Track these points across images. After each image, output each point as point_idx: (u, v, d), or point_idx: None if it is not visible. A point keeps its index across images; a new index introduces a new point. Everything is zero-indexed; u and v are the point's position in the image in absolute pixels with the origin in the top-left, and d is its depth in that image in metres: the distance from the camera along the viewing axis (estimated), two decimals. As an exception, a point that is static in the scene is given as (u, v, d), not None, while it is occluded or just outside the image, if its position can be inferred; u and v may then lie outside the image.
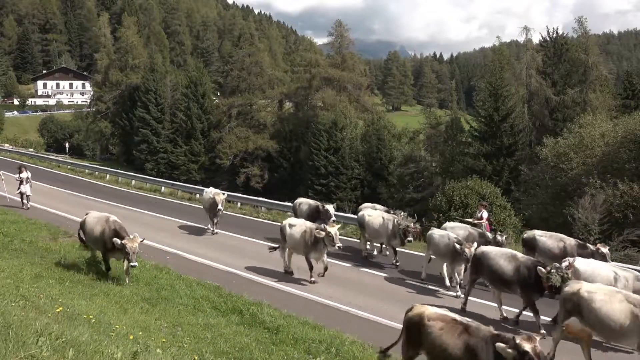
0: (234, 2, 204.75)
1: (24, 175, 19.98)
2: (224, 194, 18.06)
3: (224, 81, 68.01)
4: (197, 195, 27.54)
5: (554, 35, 44.64)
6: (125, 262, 10.79)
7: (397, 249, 14.35)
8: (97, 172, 35.53)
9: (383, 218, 14.60)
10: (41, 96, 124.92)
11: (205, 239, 17.62)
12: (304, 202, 17.06)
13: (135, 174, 35.17)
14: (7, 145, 60.54)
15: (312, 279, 12.48)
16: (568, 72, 41.48)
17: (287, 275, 13.36)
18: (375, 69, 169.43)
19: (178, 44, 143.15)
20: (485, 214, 17.19)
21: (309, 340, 8.41)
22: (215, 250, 15.78)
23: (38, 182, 21.09)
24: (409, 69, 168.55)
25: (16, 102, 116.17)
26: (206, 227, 18.41)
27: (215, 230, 17.71)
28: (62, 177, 33.27)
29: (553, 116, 40.06)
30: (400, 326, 10.11)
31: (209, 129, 55.99)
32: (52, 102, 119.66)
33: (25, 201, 20.02)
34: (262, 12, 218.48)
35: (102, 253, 11.07)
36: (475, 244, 11.69)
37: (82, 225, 11.62)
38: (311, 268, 12.51)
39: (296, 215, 16.31)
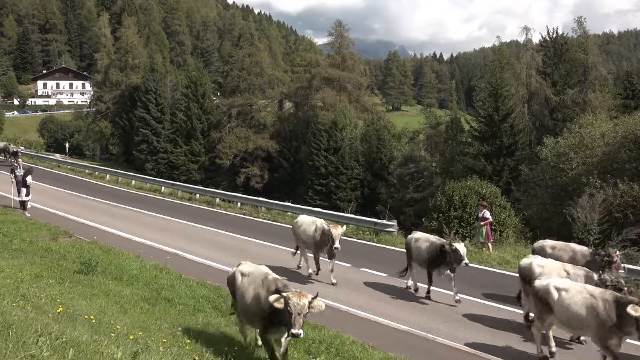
0: (234, 2, 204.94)
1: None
2: (342, 225, 12.93)
3: (224, 81, 67.92)
4: (197, 196, 27.57)
5: (554, 35, 44.60)
6: (283, 340, 6.91)
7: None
8: (97, 172, 35.57)
9: (567, 272, 9.35)
10: (41, 96, 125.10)
11: (205, 239, 17.63)
12: (422, 239, 12.12)
13: (135, 174, 35.20)
14: None
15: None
16: (568, 72, 41.41)
17: (287, 275, 13.33)
18: (375, 69, 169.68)
19: (178, 44, 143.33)
20: (487, 214, 17.19)
21: (309, 340, 8.41)
22: (215, 250, 15.79)
23: (38, 182, 21.12)
24: (409, 69, 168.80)
25: (16, 102, 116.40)
26: (299, 268, 13.88)
27: (334, 281, 12.69)
28: (62, 177, 33.27)
29: (553, 116, 40.01)
30: (399, 326, 10.17)
31: (209, 129, 55.98)
32: (52, 102, 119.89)
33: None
34: (262, 12, 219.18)
35: (261, 330, 7.05)
36: None
37: (231, 284, 7.71)
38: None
39: (411, 256, 12.21)
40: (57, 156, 48.76)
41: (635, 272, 12.86)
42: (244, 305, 7.32)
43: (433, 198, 22.77)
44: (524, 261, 10.22)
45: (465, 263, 10.88)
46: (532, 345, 9.37)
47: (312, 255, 13.11)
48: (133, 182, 31.71)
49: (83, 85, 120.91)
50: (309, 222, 13.20)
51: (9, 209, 19.25)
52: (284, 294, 6.26)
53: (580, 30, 44.72)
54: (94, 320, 7.05)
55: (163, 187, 30.18)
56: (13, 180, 19.71)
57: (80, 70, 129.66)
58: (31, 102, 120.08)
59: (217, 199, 26.34)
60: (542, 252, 11.26)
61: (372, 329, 9.90)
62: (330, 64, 56.39)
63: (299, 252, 13.93)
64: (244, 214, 23.39)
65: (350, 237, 18.67)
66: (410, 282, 12.48)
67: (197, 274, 12.47)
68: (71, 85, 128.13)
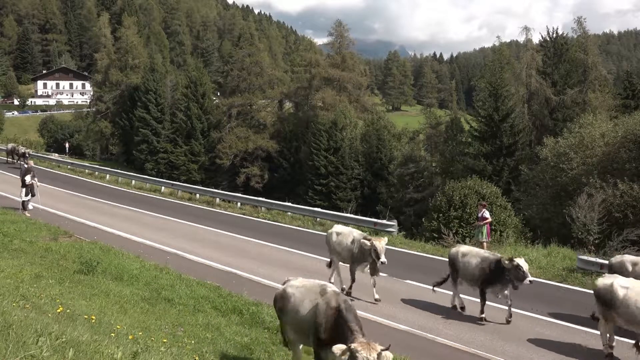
0: (234, 2, 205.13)
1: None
2: (384, 237, 11.54)
3: (224, 81, 67.97)
4: (197, 196, 27.56)
5: (554, 35, 44.65)
6: None
7: None
8: (97, 172, 35.56)
9: None
10: (41, 96, 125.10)
11: (205, 239, 17.63)
12: (472, 253, 10.92)
13: (135, 174, 35.19)
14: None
15: None
16: (568, 72, 41.44)
17: (287, 275, 13.30)
18: (375, 69, 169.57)
19: (178, 44, 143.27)
20: (487, 214, 17.19)
21: (308, 340, 8.41)
22: (215, 250, 15.79)
23: (38, 182, 21.08)
24: (409, 69, 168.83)
25: (16, 102, 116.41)
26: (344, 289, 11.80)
27: (377, 296, 11.51)
28: (62, 177, 33.24)
29: (553, 116, 40.03)
30: (399, 326, 10.17)
31: (209, 129, 56.03)
32: (52, 102, 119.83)
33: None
34: (262, 12, 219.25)
35: (315, 346, 6.21)
36: None
37: (281, 300, 6.85)
38: None
39: (457, 271, 10.98)
40: (55, 156, 48.69)
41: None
42: (297, 321, 6.46)
43: (433, 198, 22.77)
44: (603, 281, 8.77)
45: (530, 280, 9.60)
46: (531, 345, 9.38)
47: (350, 269, 11.79)
48: (133, 182, 31.70)
49: (83, 85, 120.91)
50: (346, 233, 12.12)
51: (10, 209, 19.24)
52: (352, 346, 5.28)
53: (580, 30, 44.76)
54: (94, 320, 7.05)
55: (163, 187, 30.17)
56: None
57: (80, 70, 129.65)
58: (31, 102, 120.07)
59: (217, 199, 26.34)
60: (621, 270, 9.93)
61: (372, 329, 9.88)
62: (330, 64, 56.43)
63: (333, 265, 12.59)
64: (244, 214, 23.39)
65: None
66: (456, 301, 11.20)
67: (197, 274, 12.47)
68: (71, 85, 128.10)
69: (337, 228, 12.57)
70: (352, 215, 21.79)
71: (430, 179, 40.21)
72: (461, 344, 9.35)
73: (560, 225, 21.98)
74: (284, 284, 7.06)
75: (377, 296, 11.50)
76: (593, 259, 13.71)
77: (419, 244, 17.66)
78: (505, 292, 10.17)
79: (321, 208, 26.63)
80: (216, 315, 9.51)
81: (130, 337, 6.44)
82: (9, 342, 4.40)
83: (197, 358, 6.70)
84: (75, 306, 7.95)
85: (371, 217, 21.98)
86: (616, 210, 20.79)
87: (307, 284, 6.74)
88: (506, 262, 9.82)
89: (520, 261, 9.69)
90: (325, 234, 12.85)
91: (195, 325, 8.64)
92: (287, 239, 17.65)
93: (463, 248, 11.29)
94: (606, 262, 13.52)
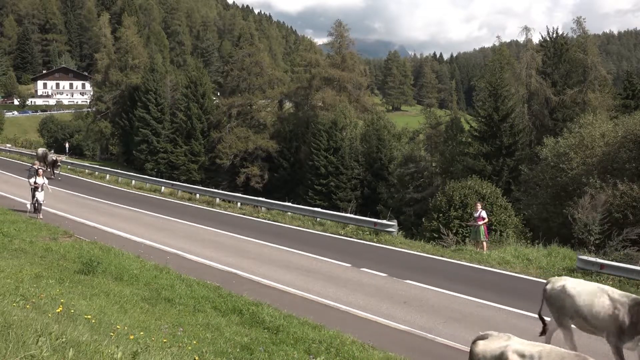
0: (234, 2, 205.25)
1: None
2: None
3: (224, 81, 68.00)
4: (197, 196, 27.54)
5: (554, 35, 44.64)
6: None
7: None
8: (97, 172, 35.56)
9: None
10: (41, 96, 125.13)
11: (205, 239, 17.63)
12: None
13: (135, 174, 35.20)
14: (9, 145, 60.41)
15: None
16: (568, 72, 41.49)
17: (286, 275, 13.35)
18: (375, 69, 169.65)
19: (178, 44, 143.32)
20: (484, 214, 17.20)
21: (309, 340, 8.41)
22: (215, 250, 15.80)
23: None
24: (409, 69, 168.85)
25: (16, 102, 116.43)
26: None
27: None
28: (62, 177, 33.25)
29: (553, 116, 40.05)
30: (399, 326, 10.17)
31: (209, 129, 56.05)
32: (52, 102, 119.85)
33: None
34: (262, 12, 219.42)
35: None
36: None
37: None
38: None
39: None
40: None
41: (635, 272, 12.87)
42: None
43: (433, 198, 22.78)
44: None
45: None
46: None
47: (613, 345, 7.59)
48: (133, 182, 31.70)
49: (83, 85, 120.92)
50: (592, 290, 7.85)
51: (10, 210, 19.26)
52: None
53: (579, 31, 44.75)
54: (94, 320, 7.05)
55: (163, 187, 30.16)
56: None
57: (80, 70, 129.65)
58: (31, 102, 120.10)
59: (217, 199, 26.34)
60: None
61: (372, 329, 9.90)
62: (330, 64, 56.45)
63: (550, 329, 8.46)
64: (244, 214, 23.38)
65: (350, 237, 18.69)
66: None
67: (197, 274, 12.47)
68: (71, 85, 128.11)
69: (571, 283, 8.15)
70: (352, 215, 21.79)
71: (430, 179, 40.22)
72: (461, 344, 9.34)
73: (560, 225, 22.00)
74: (478, 340, 5.13)
75: None
76: (593, 259, 13.71)
77: (419, 244, 17.64)
78: None
79: (321, 208, 26.60)
80: (216, 315, 9.50)
81: (130, 337, 6.44)
82: (9, 342, 4.39)
83: (197, 358, 6.69)
84: (75, 306, 7.94)
85: (371, 217, 21.96)
86: (616, 210, 20.79)
87: (551, 351, 4.63)
88: None
89: None
90: (548, 288, 8.27)
91: (195, 325, 8.63)
92: (287, 239, 17.65)
93: None
94: (606, 261, 13.57)
